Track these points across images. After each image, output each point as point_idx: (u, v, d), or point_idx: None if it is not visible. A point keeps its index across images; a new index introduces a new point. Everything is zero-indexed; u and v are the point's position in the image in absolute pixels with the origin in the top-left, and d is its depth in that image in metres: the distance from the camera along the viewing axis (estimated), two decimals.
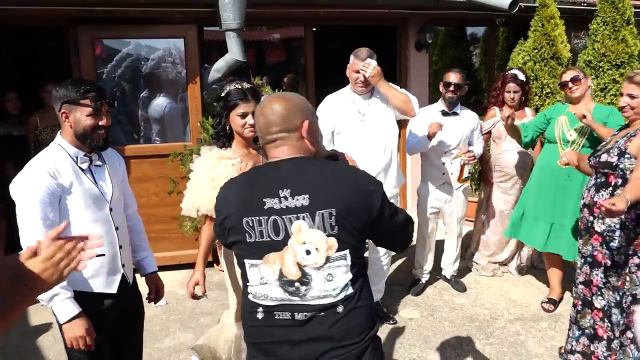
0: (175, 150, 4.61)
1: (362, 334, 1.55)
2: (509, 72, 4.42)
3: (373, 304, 1.67)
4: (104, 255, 2.17)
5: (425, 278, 4.37)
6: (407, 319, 3.90)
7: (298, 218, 1.52)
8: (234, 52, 4.61)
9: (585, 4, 6.49)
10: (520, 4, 5.20)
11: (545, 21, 5.72)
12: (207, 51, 5.43)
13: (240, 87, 2.49)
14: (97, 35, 4.54)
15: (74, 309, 2.02)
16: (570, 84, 3.69)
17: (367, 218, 1.56)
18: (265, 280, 1.57)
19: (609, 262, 2.83)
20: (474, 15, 6.07)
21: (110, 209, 2.21)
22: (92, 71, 4.50)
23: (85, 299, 2.11)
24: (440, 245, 4.49)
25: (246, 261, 1.60)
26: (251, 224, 1.56)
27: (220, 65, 4.70)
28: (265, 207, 1.55)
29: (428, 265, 4.34)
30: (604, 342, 2.93)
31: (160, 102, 5.07)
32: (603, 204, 2.26)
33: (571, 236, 3.66)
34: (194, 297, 2.59)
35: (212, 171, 2.44)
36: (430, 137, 3.82)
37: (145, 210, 4.71)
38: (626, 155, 2.69)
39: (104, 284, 2.20)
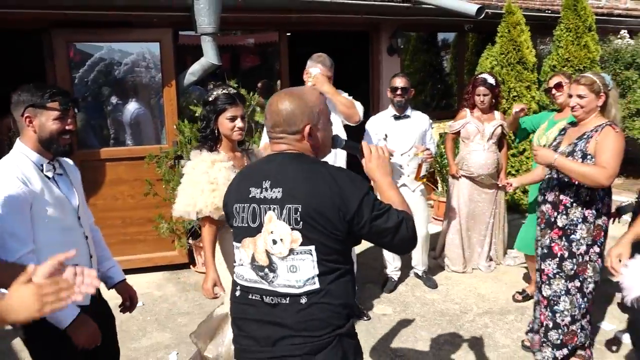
0: (151, 152, 4.65)
1: (325, 329, 1.60)
2: (479, 76, 4.58)
3: (349, 305, 1.68)
4: (76, 265, 2.14)
5: (396, 275, 4.49)
6: (380, 315, 4.01)
7: (270, 209, 1.62)
8: (210, 55, 4.69)
9: (549, 11, 6.75)
10: (487, 10, 5.42)
11: (512, 27, 5.94)
12: (182, 55, 5.47)
13: (227, 92, 2.59)
14: (72, 38, 4.56)
15: (73, 307, 1.95)
16: (553, 90, 3.84)
17: (342, 219, 1.58)
18: (241, 262, 1.71)
19: (566, 254, 3.03)
20: (444, 21, 6.26)
21: (79, 217, 2.17)
22: (67, 75, 4.52)
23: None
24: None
25: (234, 243, 1.76)
26: (238, 210, 1.71)
27: (195, 69, 4.77)
28: (250, 196, 1.68)
29: (396, 263, 4.46)
30: (543, 329, 3.19)
31: (133, 106, 5.09)
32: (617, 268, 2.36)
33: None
34: (214, 296, 2.66)
35: (209, 175, 2.51)
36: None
37: (121, 213, 4.76)
38: (588, 157, 2.88)
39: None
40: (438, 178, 6.33)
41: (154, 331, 3.92)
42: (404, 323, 3.89)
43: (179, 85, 4.82)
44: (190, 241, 4.85)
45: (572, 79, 3.60)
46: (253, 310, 1.68)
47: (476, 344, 3.59)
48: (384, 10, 5.53)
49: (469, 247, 4.77)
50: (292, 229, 1.59)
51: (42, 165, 2.06)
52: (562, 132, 3.19)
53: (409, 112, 4.28)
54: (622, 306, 3.12)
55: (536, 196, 3.68)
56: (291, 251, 1.60)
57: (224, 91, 2.61)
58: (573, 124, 3.15)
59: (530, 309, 3.99)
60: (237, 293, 1.74)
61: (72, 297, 1.19)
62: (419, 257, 4.53)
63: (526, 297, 4.16)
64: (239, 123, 2.58)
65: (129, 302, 2.44)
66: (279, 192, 1.62)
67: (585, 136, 2.94)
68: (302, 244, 1.59)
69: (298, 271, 1.60)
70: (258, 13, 5.08)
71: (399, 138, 4.15)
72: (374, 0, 5.38)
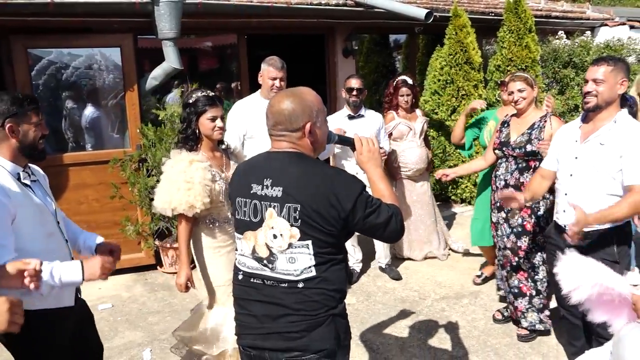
0: (115, 156, 4.71)
1: (320, 309, 1.79)
2: (399, 78, 4.86)
3: (341, 289, 1.85)
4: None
5: (358, 267, 4.73)
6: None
7: (271, 206, 1.77)
8: (171, 60, 4.79)
9: (492, 14, 7.13)
10: (435, 14, 5.72)
11: (459, 30, 6.28)
12: (140, 58, 5.53)
13: (207, 94, 2.75)
14: (31, 44, 4.55)
15: (73, 264, 2.00)
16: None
17: (337, 217, 1.73)
18: (243, 252, 1.88)
19: (537, 229, 3.42)
20: (396, 24, 6.54)
21: (57, 222, 2.22)
22: (27, 81, 4.52)
23: (48, 316, 2.10)
24: (365, 240, 4.87)
25: (235, 233, 1.93)
26: (240, 204, 1.86)
27: (157, 73, 4.86)
28: (251, 192, 1.82)
29: (358, 255, 4.70)
30: (526, 298, 3.56)
31: (90, 110, 5.11)
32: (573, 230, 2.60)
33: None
34: (187, 290, 2.82)
35: (186, 174, 2.64)
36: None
37: (86, 217, 4.79)
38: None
39: (66, 298, 2.20)
40: None
41: (125, 330, 4.00)
42: (368, 311, 4.13)
43: (141, 90, 4.89)
44: (157, 242, 4.93)
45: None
46: (254, 292, 1.85)
47: (435, 326, 3.86)
48: (339, 14, 5.75)
49: (419, 237, 5.07)
50: (291, 225, 1.74)
51: (18, 174, 2.09)
52: (506, 125, 3.54)
53: (363, 111, 4.52)
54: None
55: (486, 189, 4.01)
56: (290, 245, 1.76)
57: (203, 93, 2.76)
58: (512, 116, 3.56)
59: (483, 293, 4.34)
60: (240, 277, 1.90)
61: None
62: (382, 251, 4.78)
63: (484, 280, 4.50)
64: (219, 123, 2.74)
65: (116, 253, 2.40)
66: (279, 191, 1.76)
67: (536, 126, 3.37)
68: (300, 239, 1.75)
69: (296, 262, 1.77)
70: (218, 18, 5.20)
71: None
72: (329, 5, 5.59)
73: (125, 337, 3.90)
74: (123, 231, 4.76)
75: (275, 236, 1.77)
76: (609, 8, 10.26)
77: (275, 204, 1.77)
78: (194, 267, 2.93)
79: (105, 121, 5.19)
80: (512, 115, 3.62)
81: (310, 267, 1.77)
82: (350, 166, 4.28)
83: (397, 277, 4.70)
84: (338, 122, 4.44)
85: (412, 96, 4.81)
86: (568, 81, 7.11)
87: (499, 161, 3.61)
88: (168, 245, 4.89)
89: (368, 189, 1.85)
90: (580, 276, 1.75)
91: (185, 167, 2.67)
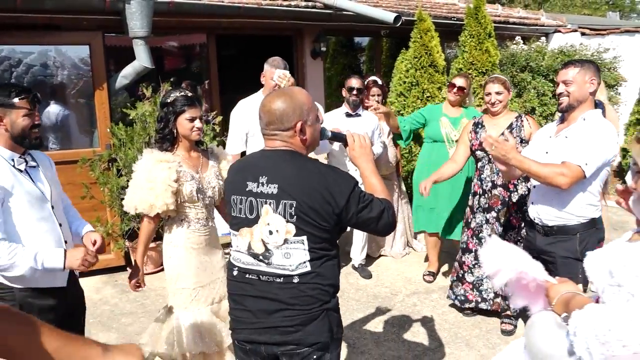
0: (83, 156, 4.63)
1: (314, 304, 1.84)
2: (370, 78, 5.05)
3: (335, 284, 1.92)
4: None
5: None
6: None
7: (266, 203, 1.82)
8: (142, 59, 4.75)
9: (454, 19, 7.38)
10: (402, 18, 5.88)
11: (423, 33, 6.45)
12: (107, 57, 5.45)
13: (185, 94, 2.72)
14: None
15: (57, 251, 2.16)
16: (456, 89, 4.35)
17: (331, 213, 1.80)
18: (238, 248, 1.92)
19: (522, 223, 3.55)
20: (362, 27, 6.68)
21: (52, 207, 2.30)
22: None
23: (36, 293, 2.21)
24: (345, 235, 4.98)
25: (231, 230, 1.97)
26: (236, 201, 1.90)
27: (128, 72, 4.81)
28: (247, 189, 1.86)
29: None
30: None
31: (54, 109, 4.99)
32: (492, 140, 2.67)
33: (452, 218, 4.36)
34: (137, 289, 2.81)
35: (149, 173, 2.61)
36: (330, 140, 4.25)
37: None
38: (523, 142, 3.50)
39: (54, 278, 2.29)
40: None
41: (99, 332, 3.95)
42: (342, 308, 4.16)
43: (110, 89, 4.83)
44: (127, 243, 4.87)
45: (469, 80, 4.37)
46: (250, 287, 1.90)
47: (408, 320, 4.00)
48: (308, 16, 5.83)
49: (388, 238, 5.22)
50: (287, 221, 1.80)
51: (12, 160, 2.19)
52: (480, 126, 3.69)
53: (360, 111, 4.65)
54: None
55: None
56: (285, 241, 1.81)
57: (182, 93, 2.73)
58: (484, 117, 3.74)
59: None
60: (235, 273, 1.95)
61: None
62: (357, 250, 4.89)
63: (435, 276, 4.71)
64: (197, 124, 2.70)
65: (97, 244, 2.46)
66: (274, 188, 1.81)
67: (514, 126, 3.57)
68: (295, 235, 1.80)
69: (291, 257, 1.82)
70: (189, 17, 5.19)
71: None
72: (299, 7, 5.66)
73: (99, 338, 3.76)
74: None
75: (271, 232, 1.82)
76: (562, 15, 10.75)
77: (271, 200, 1.82)
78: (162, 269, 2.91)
79: (71, 120, 5.08)
80: (482, 116, 3.79)
81: (305, 262, 1.82)
82: (346, 164, 4.41)
83: (368, 276, 4.81)
84: (336, 119, 4.52)
85: (382, 96, 4.96)
86: (525, 85, 7.41)
87: (480, 163, 3.73)
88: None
89: (361, 185, 1.92)
90: (500, 261, 1.78)
91: (150, 166, 2.64)
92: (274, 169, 1.85)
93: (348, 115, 4.61)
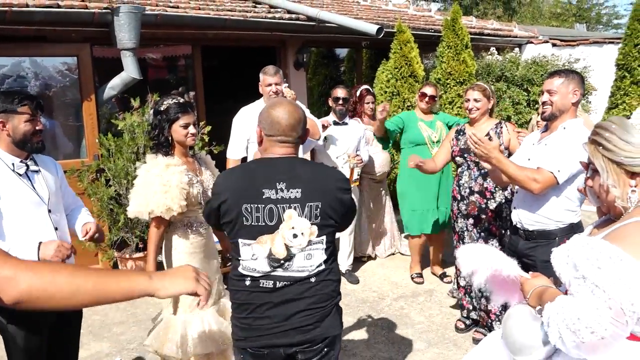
0: (72, 166, 4.63)
1: (328, 301, 1.97)
2: (363, 87, 5.21)
3: (340, 280, 2.06)
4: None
5: None
6: None
7: (290, 207, 1.88)
8: (130, 70, 4.80)
9: (432, 30, 7.59)
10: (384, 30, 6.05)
11: (403, 45, 6.65)
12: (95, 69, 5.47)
13: (177, 101, 2.81)
14: None
15: (31, 244, 2.22)
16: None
17: (342, 211, 1.98)
18: (256, 256, 1.92)
19: (502, 231, 3.69)
20: (344, 38, 6.83)
21: (49, 211, 2.35)
22: None
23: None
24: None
25: (240, 240, 1.93)
26: (249, 210, 1.89)
27: (116, 83, 4.85)
28: (264, 197, 1.89)
29: None
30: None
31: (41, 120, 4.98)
32: (476, 138, 2.78)
33: (439, 215, 4.60)
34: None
35: (162, 177, 2.69)
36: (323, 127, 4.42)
37: None
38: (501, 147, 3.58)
39: None
40: None
41: (90, 342, 3.95)
42: None
43: (98, 99, 4.86)
44: (116, 253, 4.88)
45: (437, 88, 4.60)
46: (266, 295, 1.93)
47: (395, 323, 4.11)
48: (292, 28, 5.96)
49: (377, 237, 5.41)
50: (312, 223, 1.90)
51: (12, 164, 2.25)
52: (462, 133, 3.84)
53: (347, 120, 4.80)
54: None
55: (414, 184, 4.48)
56: (309, 242, 1.91)
57: (174, 100, 2.82)
58: (466, 125, 3.87)
59: (437, 291, 4.64)
60: (247, 283, 1.95)
61: (204, 300, 1.40)
62: (344, 256, 4.98)
63: (422, 276, 4.86)
64: (191, 130, 2.80)
65: (90, 232, 2.57)
66: (297, 192, 1.89)
67: (493, 133, 3.65)
68: (317, 236, 1.92)
69: (312, 258, 1.92)
70: (175, 29, 5.25)
71: (337, 142, 4.64)
72: (283, 19, 5.78)
73: (91, 348, 3.86)
74: (80, 242, 4.67)
75: (295, 235, 1.89)
76: (533, 27, 11.12)
77: (296, 204, 1.89)
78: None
79: (59, 131, 5.08)
80: (465, 124, 3.94)
81: (322, 261, 1.95)
82: (329, 161, 4.61)
83: (356, 282, 4.92)
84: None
85: (375, 104, 5.15)
86: (500, 94, 7.65)
87: (460, 169, 3.86)
88: (127, 256, 4.85)
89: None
90: (475, 261, 1.90)
91: (161, 171, 2.72)
92: (289, 174, 1.92)
93: (335, 123, 4.74)
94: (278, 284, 1.92)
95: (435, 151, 4.48)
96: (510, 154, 3.49)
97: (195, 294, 1.36)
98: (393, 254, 5.54)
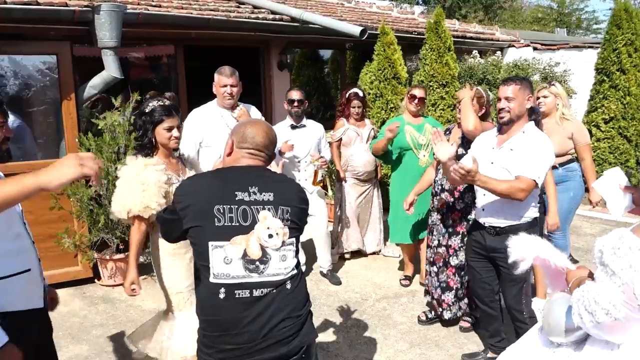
0: None
1: (304, 307, 1.97)
2: (352, 90, 5.21)
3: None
4: (30, 270, 2.10)
5: (302, 269, 4.90)
6: None
7: (264, 209, 1.91)
8: (111, 69, 4.74)
9: (416, 33, 7.64)
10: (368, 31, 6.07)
11: (386, 47, 6.68)
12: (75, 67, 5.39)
13: (162, 103, 2.80)
14: None
15: (2, 334, 1.85)
16: (417, 100, 4.52)
17: (305, 214, 2.08)
18: (229, 259, 1.86)
19: (465, 231, 3.73)
20: (328, 39, 6.84)
21: (24, 223, 2.20)
22: None
23: (18, 317, 2.03)
24: (308, 245, 5.10)
25: (210, 243, 1.86)
26: (222, 210, 1.87)
27: (96, 82, 4.79)
28: (237, 199, 1.90)
29: (302, 259, 4.88)
30: (453, 291, 3.89)
31: (17, 120, 4.89)
32: (459, 169, 2.86)
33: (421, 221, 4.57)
34: (133, 294, 2.80)
35: (140, 177, 2.69)
36: (281, 153, 4.38)
37: None
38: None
39: (35, 299, 2.15)
40: (328, 184, 6.88)
41: (69, 345, 3.89)
42: (314, 313, 4.28)
43: (78, 98, 4.79)
44: (96, 255, 4.81)
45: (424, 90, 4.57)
46: (241, 307, 1.85)
47: (378, 324, 4.11)
48: (276, 29, 5.94)
49: (363, 235, 5.43)
50: (284, 225, 1.93)
51: None
52: (447, 133, 3.88)
53: (304, 121, 4.76)
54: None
55: (403, 191, 4.37)
56: (283, 243, 1.92)
57: (160, 103, 2.81)
58: (455, 125, 3.91)
59: (419, 292, 4.66)
60: (222, 295, 1.84)
61: (95, 172, 1.45)
62: (323, 256, 4.98)
63: (411, 280, 4.84)
64: (175, 133, 2.81)
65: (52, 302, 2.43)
66: (270, 195, 1.94)
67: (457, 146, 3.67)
68: (289, 237, 1.94)
69: (286, 260, 1.93)
70: (158, 28, 5.21)
71: (296, 146, 4.57)
72: (266, 19, 5.77)
73: (70, 351, 3.80)
74: (59, 244, 4.61)
75: (270, 235, 1.90)
76: (515, 31, 11.25)
77: (269, 206, 1.93)
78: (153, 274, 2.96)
79: (38, 130, 4.99)
80: (455, 124, 3.98)
81: (294, 265, 1.96)
82: (293, 174, 4.60)
83: (338, 283, 4.91)
84: (281, 132, 4.60)
85: (363, 107, 5.14)
86: None
87: (438, 167, 3.94)
88: (107, 257, 4.79)
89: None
90: (527, 249, 2.08)
91: (139, 170, 2.73)
92: (261, 180, 1.99)
93: (293, 127, 4.71)
94: (255, 292, 1.86)
95: (422, 154, 4.52)
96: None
97: (86, 178, 1.43)
98: (377, 252, 5.55)
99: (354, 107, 5.09)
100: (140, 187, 2.67)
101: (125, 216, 2.73)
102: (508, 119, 2.99)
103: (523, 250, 2.07)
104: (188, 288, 2.85)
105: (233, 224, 1.88)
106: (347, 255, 5.44)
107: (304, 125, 4.73)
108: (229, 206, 1.88)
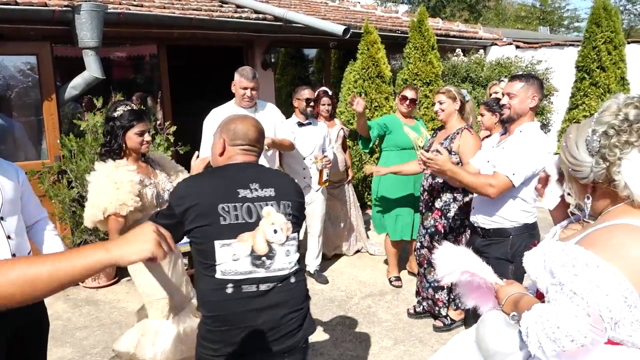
0: (32, 168, 4.51)
1: (305, 301, 2.01)
2: (321, 88, 5.25)
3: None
4: None
5: None
6: None
7: (267, 204, 1.93)
8: (92, 69, 4.70)
9: (399, 32, 7.67)
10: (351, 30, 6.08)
11: (370, 45, 6.70)
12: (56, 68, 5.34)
13: (131, 108, 2.77)
14: None
15: None
16: (408, 102, 4.52)
17: (303, 209, 2.11)
18: (237, 256, 1.88)
19: (448, 229, 3.76)
20: (311, 38, 6.84)
21: (1, 218, 2.22)
22: None
23: None
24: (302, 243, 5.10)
25: (217, 242, 1.87)
26: (226, 209, 1.89)
27: (77, 82, 4.74)
28: (240, 196, 1.92)
29: None
30: (445, 290, 3.92)
31: None
32: (421, 154, 2.93)
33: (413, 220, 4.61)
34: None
35: (112, 177, 2.66)
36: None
37: None
38: (452, 152, 3.63)
39: None
40: None
41: (52, 347, 3.84)
42: None
43: (59, 99, 4.75)
44: None
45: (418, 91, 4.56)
46: (247, 301, 1.88)
47: (363, 321, 4.13)
48: (259, 28, 5.93)
49: (340, 235, 5.45)
50: (287, 220, 1.95)
51: None
52: (434, 135, 3.90)
53: (312, 120, 4.81)
54: None
55: (393, 188, 4.49)
56: (287, 238, 1.94)
57: (128, 107, 2.78)
58: (440, 127, 3.91)
59: (404, 289, 4.70)
60: (229, 290, 1.88)
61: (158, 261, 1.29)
62: (313, 257, 4.98)
63: (400, 279, 4.85)
64: (146, 137, 2.79)
65: None
66: (271, 191, 1.97)
67: (449, 137, 3.71)
68: (292, 232, 1.97)
69: (290, 255, 1.95)
70: (140, 28, 5.17)
71: (302, 143, 4.62)
72: (249, 19, 5.76)
73: (53, 354, 3.76)
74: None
75: (275, 231, 1.92)
76: (498, 29, 11.35)
77: (272, 202, 1.95)
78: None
79: (18, 131, 4.94)
80: (438, 128, 4.00)
81: (296, 260, 2.00)
82: (296, 162, 4.67)
83: (325, 282, 4.92)
84: (288, 129, 4.60)
85: (332, 106, 5.15)
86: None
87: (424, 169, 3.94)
88: None
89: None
90: (453, 263, 1.88)
91: (110, 172, 2.70)
92: (260, 176, 2.01)
93: (300, 124, 4.73)
94: (261, 287, 1.89)
95: None
96: (460, 160, 3.59)
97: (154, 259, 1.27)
98: (359, 251, 5.57)
99: (323, 105, 5.13)
100: (114, 186, 2.63)
101: (102, 217, 2.66)
102: (507, 116, 2.91)
103: (449, 263, 1.90)
104: (165, 296, 2.82)
105: (239, 221, 1.90)
106: (330, 257, 5.44)
107: (310, 124, 4.77)
108: (233, 204, 1.90)
